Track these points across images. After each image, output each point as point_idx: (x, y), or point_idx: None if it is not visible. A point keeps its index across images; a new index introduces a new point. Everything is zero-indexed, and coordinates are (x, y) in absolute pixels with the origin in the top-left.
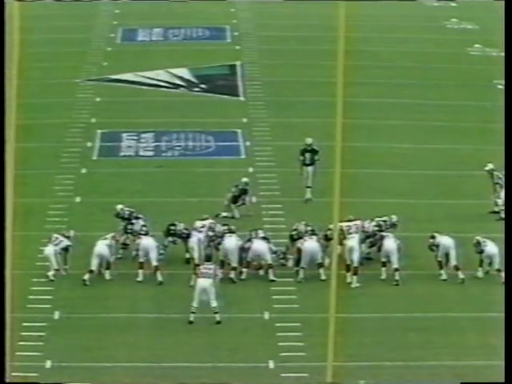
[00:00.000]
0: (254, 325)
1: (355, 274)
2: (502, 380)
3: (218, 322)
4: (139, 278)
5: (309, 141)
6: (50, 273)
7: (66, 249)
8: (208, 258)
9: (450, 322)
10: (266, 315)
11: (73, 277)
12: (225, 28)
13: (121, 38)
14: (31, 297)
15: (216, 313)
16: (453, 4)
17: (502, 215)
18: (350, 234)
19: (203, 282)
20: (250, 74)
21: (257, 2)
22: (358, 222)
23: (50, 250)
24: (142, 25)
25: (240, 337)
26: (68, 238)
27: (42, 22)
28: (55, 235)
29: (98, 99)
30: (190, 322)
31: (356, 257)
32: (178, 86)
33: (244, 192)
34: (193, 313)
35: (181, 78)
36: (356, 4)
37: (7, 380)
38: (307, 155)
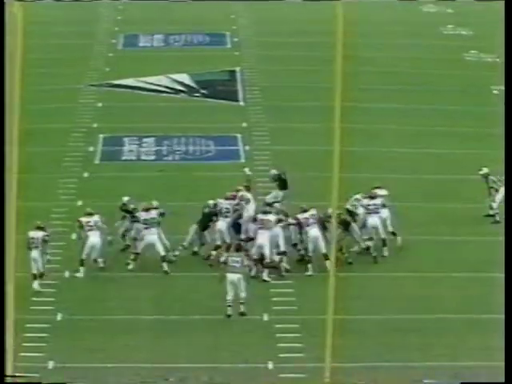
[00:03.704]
0: (253, 326)
1: (327, 259)
2: (502, 380)
3: (242, 314)
4: (130, 267)
5: (274, 171)
6: (35, 284)
7: (45, 240)
8: (237, 249)
9: (446, 324)
10: (266, 317)
11: (75, 279)
12: (225, 34)
13: (122, 44)
14: (34, 299)
15: (242, 303)
16: (449, 10)
17: (497, 218)
18: (308, 225)
19: (232, 276)
20: (250, 80)
21: (256, 9)
22: (314, 211)
23: (35, 253)
24: (143, 31)
25: (240, 338)
26: (42, 228)
27: (44, 27)
28: (30, 235)
29: (99, 104)
30: (228, 316)
31: (322, 244)
32: (179, 91)
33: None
34: (229, 306)
35: (181, 83)
36: (354, 10)
37: (7, 380)
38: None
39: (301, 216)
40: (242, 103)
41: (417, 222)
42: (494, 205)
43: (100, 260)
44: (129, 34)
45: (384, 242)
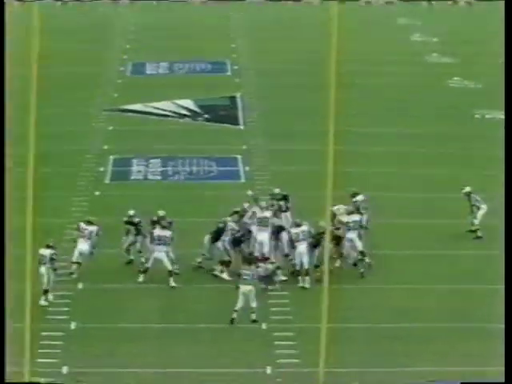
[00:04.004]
0: (253, 334)
1: (307, 275)
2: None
3: (254, 321)
4: (140, 280)
5: (276, 190)
6: (42, 300)
7: (52, 258)
8: (249, 261)
9: (431, 332)
10: (264, 325)
11: (88, 291)
12: (225, 62)
13: (130, 72)
14: (50, 309)
15: (253, 312)
16: (434, 39)
17: (479, 234)
18: (298, 241)
19: (244, 288)
20: (249, 105)
21: (255, 38)
22: (305, 228)
23: (42, 269)
24: (150, 59)
25: (240, 345)
26: (51, 247)
27: (59, 57)
28: (40, 252)
29: (110, 128)
30: (232, 320)
31: (306, 260)
32: (183, 115)
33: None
34: (235, 311)
35: (186, 108)
36: (347, 39)
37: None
38: (282, 203)
39: (293, 230)
40: (242, 127)
41: (404, 237)
42: (476, 221)
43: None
44: (136, 61)
45: (363, 255)
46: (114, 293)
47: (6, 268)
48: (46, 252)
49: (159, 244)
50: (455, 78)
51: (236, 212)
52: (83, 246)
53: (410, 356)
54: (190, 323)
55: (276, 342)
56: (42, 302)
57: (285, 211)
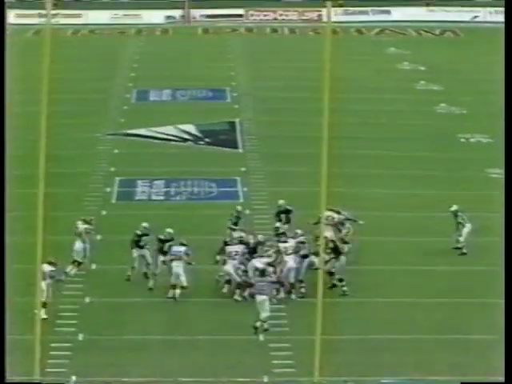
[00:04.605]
0: (250, 346)
1: (294, 288)
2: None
3: (266, 330)
4: (170, 295)
5: (281, 202)
6: (42, 312)
7: (51, 276)
8: (261, 274)
9: (419, 343)
10: (261, 337)
11: (95, 304)
12: (225, 89)
13: (135, 98)
14: (59, 321)
15: (264, 322)
16: (422, 68)
17: (464, 250)
18: (287, 254)
19: (258, 298)
20: (248, 130)
21: (253, 67)
22: (293, 243)
23: (43, 284)
24: (154, 86)
25: (238, 356)
26: (54, 264)
27: (67, 85)
28: (42, 269)
29: (116, 151)
30: (255, 328)
31: (292, 274)
32: (185, 139)
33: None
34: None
35: (187, 132)
36: (340, 68)
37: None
38: (282, 216)
39: (281, 245)
40: (241, 150)
41: (392, 253)
42: (461, 239)
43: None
44: (141, 89)
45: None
46: (119, 306)
47: (5, 267)
48: (47, 268)
49: (174, 259)
50: (442, 105)
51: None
52: (76, 243)
53: (399, 366)
54: (190, 335)
55: (272, 353)
56: (43, 315)
57: (285, 223)
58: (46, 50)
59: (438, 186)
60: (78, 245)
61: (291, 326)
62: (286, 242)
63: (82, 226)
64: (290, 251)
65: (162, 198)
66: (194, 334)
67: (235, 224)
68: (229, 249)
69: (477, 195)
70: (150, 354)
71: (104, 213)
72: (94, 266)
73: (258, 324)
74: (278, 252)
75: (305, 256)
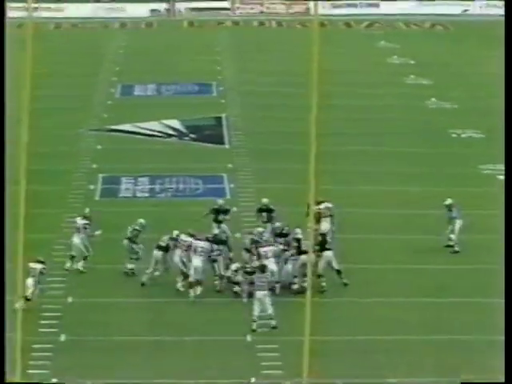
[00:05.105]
0: (238, 347)
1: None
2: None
3: (274, 327)
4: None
5: (265, 201)
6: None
7: (42, 273)
8: (262, 269)
9: (408, 344)
10: (249, 338)
11: (78, 304)
12: (211, 84)
13: (119, 93)
14: (40, 322)
15: (271, 319)
16: (411, 62)
17: (456, 248)
18: (267, 258)
19: (259, 294)
20: (234, 125)
21: (240, 61)
22: (272, 248)
23: (30, 281)
24: (138, 81)
25: (226, 357)
26: (42, 262)
27: (49, 80)
28: (31, 266)
29: (99, 147)
30: (253, 330)
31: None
32: (170, 135)
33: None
34: (254, 321)
35: (172, 128)
36: (329, 61)
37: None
38: (264, 215)
39: (261, 249)
40: (227, 146)
41: (383, 251)
42: (453, 236)
43: (79, 264)
44: (125, 83)
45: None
46: (102, 306)
47: (5, 267)
48: (37, 266)
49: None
50: (432, 99)
51: None
52: (74, 238)
53: (388, 367)
54: (176, 336)
55: (260, 354)
56: (17, 306)
57: (265, 222)
58: (28, 44)
59: (428, 183)
60: (76, 240)
61: (279, 326)
62: (264, 246)
63: (80, 222)
64: (270, 255)
65: (146, 194)
66: (179, 335)
67: (216, 220)
68: (194, 244)
69: (469, 192)
70: (135, 355)
71: (87, 210)
72: (76, 265)
73: (255, 326)
74: (258, 255)
75: (304, 252)
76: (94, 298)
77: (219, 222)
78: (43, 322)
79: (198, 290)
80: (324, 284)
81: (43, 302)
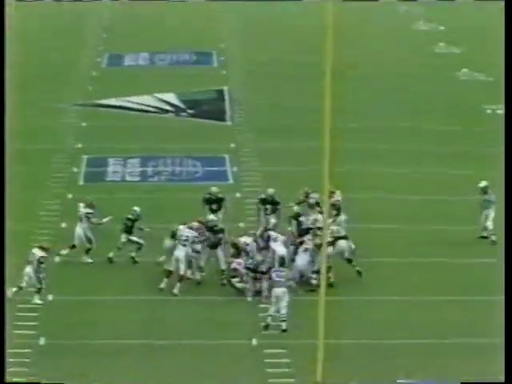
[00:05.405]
0: (241, 351)
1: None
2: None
3: (284, 331)
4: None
5: (270, 191)
6: (14, 289)
7: (40, 261)
8: (281, 264)
9: (430, 347)
10: (254, 341)
11: (58, 303)
12: (211, 53)
13: (107, 63)
14: (17, 323)
15: (284, 320)
16: (440, 28)
17: (493, 238)
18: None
19: (277, 290)
20: (237, 99)
21: (243, 28)
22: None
23: (28, 269)
24: (129, 49)
25: (228, 363)
26: (46, 250)
27: (27, 48)
28: (33, 251)
29: (83, 124)
30: (266, 326)
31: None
32: (165, 111)
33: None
34: (270, 316)
35: (168, 102)
36: (345, 27)
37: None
38: (268, 207)
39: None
40: (229, 123)
41: (412, 243)
42: (489, 224)
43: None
44: (113, 52)
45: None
46: (86, 305)
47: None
48: (38, 253)
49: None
50: (464, 70)
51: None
52: (77, 227)
53: (408, 371)
54: (171, 339)
55: (267, 360)
56: (8, 293)
57: (268, 214)
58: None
59: (458, 166)
60: (78, 230)
61: (288, 328)
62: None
63: (83, 210)
64: (280, 239)
65: (137, 178)
66: (175, 337)
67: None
68: (180, 232)
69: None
70: (123, 360)
71: (70, 196)
72: (57, 259)
73: (270, 320)
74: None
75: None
76: (78, 295)
77: (214, 212)
78: (19, 323)
79: (178, 286)
80: (331, 276)
81: (19, 301)
